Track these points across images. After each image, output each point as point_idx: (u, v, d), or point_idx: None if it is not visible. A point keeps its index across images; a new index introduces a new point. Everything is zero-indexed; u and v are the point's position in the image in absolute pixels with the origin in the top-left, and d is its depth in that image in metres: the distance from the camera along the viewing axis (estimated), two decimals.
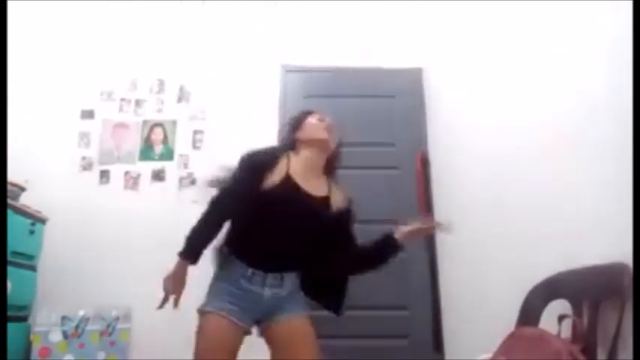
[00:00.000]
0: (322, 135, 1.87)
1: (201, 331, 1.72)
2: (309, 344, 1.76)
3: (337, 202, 1.90)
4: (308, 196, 1.81)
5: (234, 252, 1.80)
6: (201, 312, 1.76)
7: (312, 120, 1.92)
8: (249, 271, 1.75)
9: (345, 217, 1.92)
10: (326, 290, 1.89)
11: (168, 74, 3.23)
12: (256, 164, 1.79)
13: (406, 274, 2.77)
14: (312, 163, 1.87)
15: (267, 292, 1.76)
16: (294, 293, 1.84)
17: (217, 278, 1.82)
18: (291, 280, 1.82)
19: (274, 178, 1.77)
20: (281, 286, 1.78)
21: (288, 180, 1.79)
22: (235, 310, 1.71)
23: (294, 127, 1.95)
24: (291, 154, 1.87)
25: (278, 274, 1.77)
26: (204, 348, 1.69)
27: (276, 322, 1.77)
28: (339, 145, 1.97)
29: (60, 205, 2.88)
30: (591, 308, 2.15)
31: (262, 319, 1.79)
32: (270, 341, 1.80)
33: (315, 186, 1.84)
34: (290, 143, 1.92)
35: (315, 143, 1.88)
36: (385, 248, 1.91)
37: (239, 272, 1.76)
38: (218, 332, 1.70)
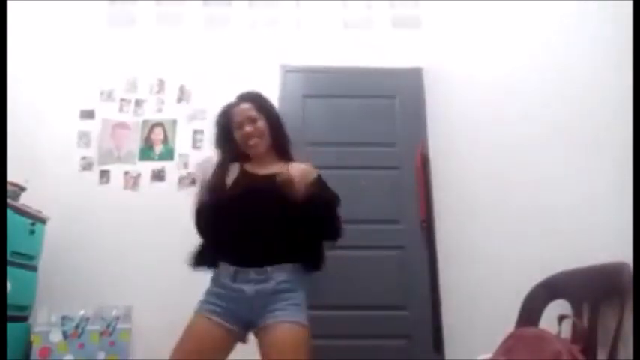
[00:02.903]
0: (250, 151, 1.87)
1: (184, 330, 1.73)
2: (287, 354, 1.62)
3: (303, 177, 1.76)
4: (260, 177, 1.81)
5: (218, 254, 1.79)
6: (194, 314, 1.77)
7: (237, 134, 1.87)
8: (232, 268, 1.72)
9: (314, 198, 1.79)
10: (302, 248, 1.79)
11: (168, 74, 3.23)
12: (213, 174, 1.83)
13: (406, 274, 2.77)
14: (258, 161, 1.89)
15: (251, 288, 1.69)
16: (288, 293, 1.70)
17: (210, 281, 1.81)
18: (280, 275, 1.71)
19: (232, 177, 1.82)
20: (266, 281, 1.69)
21: (244, 172, 1.84)
22: (219, 311, 1.69)
23: (226, 140, 1.91)
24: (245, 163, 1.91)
25: (260, 268, 1.70)
26: (183, 346, 1.69)
27: (263, 328, 1.67)
28: (274, 121, 1.90)
29: (60, 205, 2.88)
30: (591, 308, 2.15)
31: (253, 322, 1.70)
32: (259, 347, 1.71)
33: (270, 170, 1.82)
34: (242, 156, 1.91)
35: (253, 156, 1.89)
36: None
37: (224, 272, 1.74)
38: (197, 332, 1.70)
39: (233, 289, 1.71)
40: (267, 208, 1.74)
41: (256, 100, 1.91)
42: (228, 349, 1.72)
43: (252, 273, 1.71)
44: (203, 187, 1.82)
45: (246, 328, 1.73)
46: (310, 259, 1.81)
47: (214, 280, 1.78)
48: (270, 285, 1.69)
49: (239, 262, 1.73)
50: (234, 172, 1.85)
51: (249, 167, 1.88)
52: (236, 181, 1.81)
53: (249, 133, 1.84)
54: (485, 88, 3.16)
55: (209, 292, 1.77)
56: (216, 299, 1.72)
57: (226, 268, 1.74)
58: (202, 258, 1.82)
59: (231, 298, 1.70)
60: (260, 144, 1.86)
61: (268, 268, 1.71)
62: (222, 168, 1.85)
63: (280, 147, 1.92)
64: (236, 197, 1.76)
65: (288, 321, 1.66)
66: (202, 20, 3.35)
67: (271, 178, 1.76)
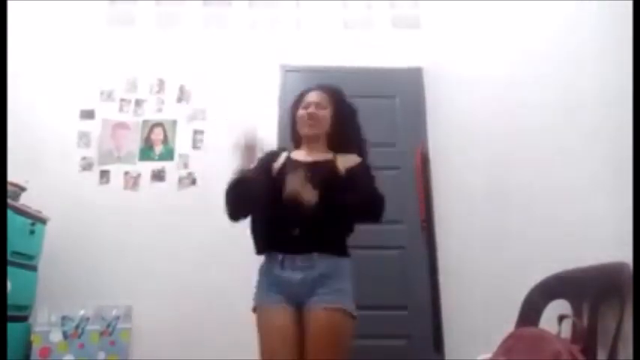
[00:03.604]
0: (303, 130, 1.92)
1: (259, 329, 1.73)
2: (321, 341, 1.65)
3: (345, 162, 1.87)
4: (304, 164, 1.84)
5: (265, 244, 1.81)
6: (253, 310, 1.78)
7: (300, 112, 1.94)
8: (279, 257, 1.75)
9: (354, 172, 1.86)
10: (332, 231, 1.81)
11: (168, 74, 3.23)
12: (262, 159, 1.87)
13: (406, 274, 2.77)
14: (310, 149, 1.93)
15: (298, 275, 1.72)
16: (334, 278, 1.73)
17: (259, 273, 1.83)
18: (326, 262, 1.74)
19: (278, 165, 1.87)
20: (312, 268, 1.72)
21: (289, 160, 1.89)
22: (278, 298, 1.72)
23: (292, 122, 2.00)
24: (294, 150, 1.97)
25: (308, 254, 1.73)
26: (268, 344, 1.69)
27: (307, 311, 1.70)
28: (340, 116, 1.94)
29: (60, 205, 2.88)
30: (591, 308, 2.15)
31: (302, 305, 1.72)
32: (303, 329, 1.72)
33: (314, 157, 1.89)
34: (294, 140, 2.00)
35: (304, 137, 1.95)
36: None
37: (273, 261, 1.77)
38: (272, 324, 1.70)
39: (283, 276, 1.73)
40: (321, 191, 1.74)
41: (333, 93, 1.98)
42: (299, 327, 1.71)
43: (298, 260, 1.73)
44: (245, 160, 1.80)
45: (299, 309, 1.73)
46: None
47: (264, 271, 1.80)
48: (316, 272, 1.72)
49: (290, 250, 1.75)
50: (280, 160, 1.90)
51: (295, 154, 1.93)
52: (281, 169, 1.85)
53: (311, 113, 1.89)
54: (485, 88, 3.16)
55: (262, 284, 1.79)
56: (271, 287, 1.74)
57: (274, 257, 1.77)
58: (256, 244, 1.84)
59: (283, 285, 1.73)
60: (315, 127, 1.90)
61: (315, 255, 1.74)
62: (271, 154, 1.91)
63: (336, 142, 1.94)
64: (280, 184, 1.76)
65: (331, 308, 1.68)
66: (202, 20, 3.34)
67: (315, 164, 1.83)
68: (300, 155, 1.93)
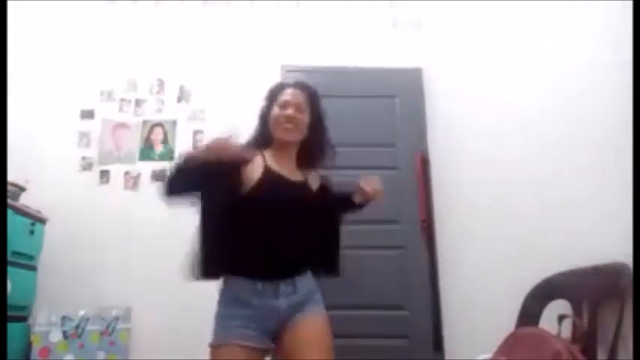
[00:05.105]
0: (278, 133, 1.74)
1: None
2: (318, 346, 1.59)
3: (314, 183, 1.81)
4: (290, 183, 1.71)
5: (236, 270, 1.62)
6: (213, 346, 1.58)
7: (276, 112, 1.74)
8: (259, 285, 1.57)
9: (325, 192, 1.82)
10: (321, 254, 1.73)
11: (168, 74, 3.23)
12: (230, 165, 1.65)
13: (406, 274, 2.77)
14: (281, 155, 1.76)
15: (283, 302, 1.59)
16: (311, 294, 1.67)
17: (221, 304, 1.63)
18: (305, 282, 1.66)
19: (254, 175, 1.66)
20: (294, 292, 1.61)
21: (268, 171, 1.68)
22: (251, 335, 1.54)
23: (264, 118, 1.81)
24: (265, 151, 1.76)
25: (290, 279, 1.61)
26: None
27: (292, 324, 1.59)
28: (316, 122, 1.79)
29: (60, 205, 2.88)
30: (591, 308, 2.15)
31: (280, 330, 1.60)
32: (280, 348, 1.61)
33: (291, 174, 1.75)
34: (263, 140, 1.79)
35: (276, 141, 1.76)
36: (346, 206, 1.88)
37: (247, 290, 1.58)
38: None
39: (263, 306, 1.57)
40: (296, 216, 1.65)
41: (312, 96, 1.82)
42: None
43: (281, 286, 1.60)
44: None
45: (273, 339, 1.62)
46: (333, 266, 1.79)
47: (233, 302, 1.60)
48: (299, 296, 1.63)
49: (272, 277, 1.59)
50: (257, 167, 1.69)
51: (272, 163, 1.72)
52: (260, 183, 1.65)
53: (289, 116, 1.72)
54: (485, 87, 3.16)
55: (230, 317, 1.58)
56: (244, 321, 1.56)
57: (248, 284, 1.58)
58: (212, 267, 1.64)
59: (261, 316, 1.57)
60: (293, 133, 1.74)
61: (296, 278, 1.63)
62: (244, 158, 1.66)
63: (307, 150, 1.81)
64: (281, 200, 1.63)
65: (317, 310, 1.65)
66: (202, 20, 3.34)
67: (301, 185, 1.73)
68: (275, 166, 1.72)
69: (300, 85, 1.83)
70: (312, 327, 1.61)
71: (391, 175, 2.93)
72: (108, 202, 2.98)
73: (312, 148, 1.81)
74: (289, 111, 1.73)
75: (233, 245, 1.61)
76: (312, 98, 1.81)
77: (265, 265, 1.59)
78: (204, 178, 1.60)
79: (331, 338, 1.66)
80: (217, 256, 1.62)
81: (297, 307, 1.62)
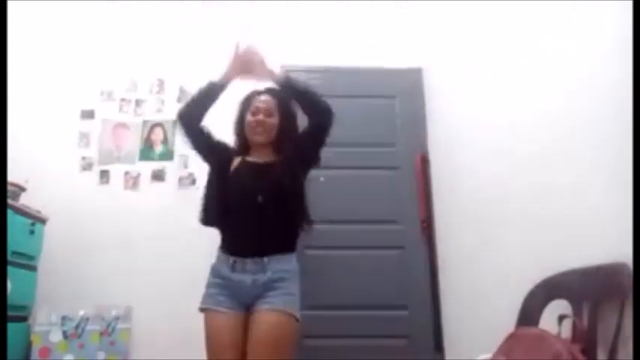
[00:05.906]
0: (252, 137, 1.99)
1: (205, 330, 1.78)
2: (262, 342, 1.68)
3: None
4: (259, 165, 1.94)
5: (221, 244, 1.90)
6: (200, 310, 1.82)
7: (249, 118, 1.99)
8: (231, 259, 1.80)
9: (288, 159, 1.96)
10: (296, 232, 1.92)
11: (168, 74, 3.22)
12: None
13: (406, 274, 2.77)
14: (259, 153, 2.00)
15: (249, 278, 1.77)
16: (282, 279, 1.77)
17: (210, 275, 1.87)
18: (277, 265, 1.78)
19: (235, 164, 1.96)
20: (263, 271, 1.77)
21: (244, 160, 1.98)
22: (223, 300, 1.77)
23: (240, 123, 2.05)
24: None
25: (259, 258, 1.78)
26: (210, 346, 1.76)
27: (255, 312, 1.74)
28: (286, 124, 1.99)
29: (60, 205, 2.88)
30: (591, 308, 2.15)
31: (250, 307, 1.77)
32: (249, 329, 1.75)
33: (264, 159, 1.98)
34: (242, 145, 2.04)
35: (252, 143, 2.01)
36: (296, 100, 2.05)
37: (225, 264, 1.82)
38: (215, 327, 1.76)
39: (232, 278, 1.78)
40: (266, 196, 1.83)
41: (281, 100, 2.01)
42: (245, 330, 1.75)
43: (249, 264, 1.78)
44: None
45: (247, 311, 1.78)
46: (300, 217, 1.90)
47: (214, 271, 1.86)
48: (266, 276, 1.77)
49: (241, 253, 1.80)
50: (237, 160, 1.99)
51: (249, 158, 2.00)
52: (237, 169, 1.94)
53: (259, 121, 1.96)
54: (485, 87, 3.16)
55: (210, 284, 1.84)
56: (219, 289, 1.80)
57: (225, 259, 1.83)
58: (207, 219, 1.93)
59: (231, 287, 1.78)
60: (263, 136, 1.97)
61: (265, 259, 1.78)
62: (228, 156, 2.00)
63: (279, 147, 1.99)
64: (237, 185, 1.88)
65: (278, 310, 1.72)
66: (202, 20, 3.34)
67: (269, 165, 1.91)
68: (251, 158, 1.99)
69: (270, 92, 2.05)
70: (261, 326, 1.71)
71: (391, 175, 2.94)
72: (108, 202, 2.98)
73: (284, 146, 1.99)
74: (260, 116, 1.97)
75: (219, 214, 1.90)
76: (281, 102, 2.01)
77: (235, 243, 1.84)
78: (209, 148, 2.02)
79: (284, 336, 1.72)
80: (210, 215, 1.94)
81: (264, 288, 1.75)
